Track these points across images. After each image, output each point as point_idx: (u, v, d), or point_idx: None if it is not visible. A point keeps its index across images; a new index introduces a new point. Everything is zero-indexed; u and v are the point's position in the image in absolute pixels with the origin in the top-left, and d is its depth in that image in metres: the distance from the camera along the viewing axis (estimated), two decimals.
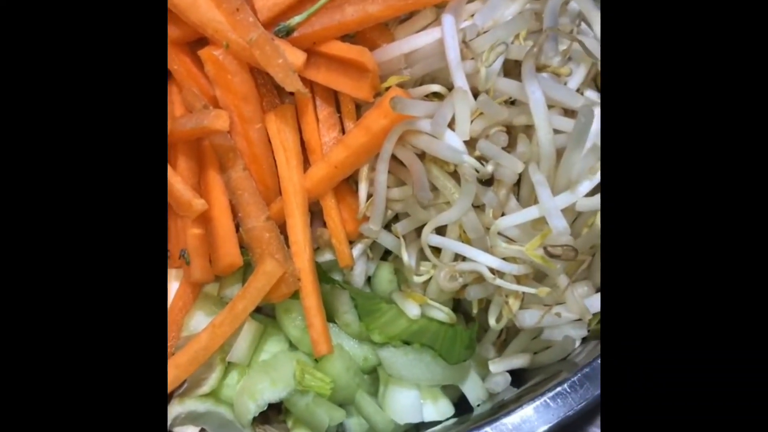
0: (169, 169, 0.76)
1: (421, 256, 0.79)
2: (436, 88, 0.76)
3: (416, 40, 0.77)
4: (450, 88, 0.75)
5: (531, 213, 0.72)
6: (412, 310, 0.79)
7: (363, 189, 0.80)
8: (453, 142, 0.72)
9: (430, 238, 0.75)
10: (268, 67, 0.73)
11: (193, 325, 0.80)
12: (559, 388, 0.71)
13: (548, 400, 0.71)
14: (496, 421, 0.71)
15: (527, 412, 0.70)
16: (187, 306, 0.80)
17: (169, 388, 0.75)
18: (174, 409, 0.77)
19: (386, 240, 0.80)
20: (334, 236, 0.80)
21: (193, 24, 0.76)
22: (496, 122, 0.73)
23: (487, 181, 0.74)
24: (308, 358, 0.80)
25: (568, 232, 0.70)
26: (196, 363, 0.75)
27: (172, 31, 0.79)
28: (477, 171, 0.71)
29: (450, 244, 0.75)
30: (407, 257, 0.79)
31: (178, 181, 0.76)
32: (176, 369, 0.74)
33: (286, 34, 0.76)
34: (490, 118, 0.72)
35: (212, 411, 0.78)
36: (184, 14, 0.76)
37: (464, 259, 0.75)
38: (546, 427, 0.70)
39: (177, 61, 0.80)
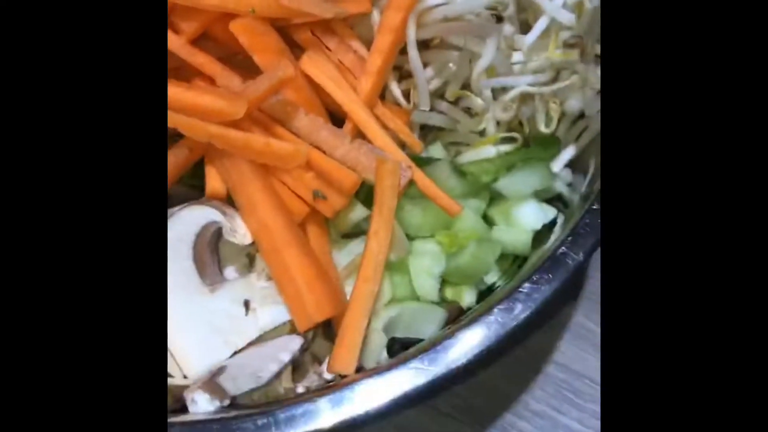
0: (262, 137, 0.82)
1: None
2: None
3: None
4: None
5: (541, 24, 0.91)
6: (491, 150, 0.94)
7: (395, 87, 0.93)
8: None
9: (482, 83, 0.91)
10: (302, 6, 0.82)
11: (345, 258, 0.86)
12: None
13: None
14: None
15: None
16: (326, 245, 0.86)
17: (372, 304, 0.81)
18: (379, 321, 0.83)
19: (436, 118, 0.94)
20: (399, 131, 0.91)
21: (213, 7, 0.81)
22: None
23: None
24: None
25: (574, 21, 0.90)
26: (379, 271, 0.82)
27: (187, 28, 0.83)
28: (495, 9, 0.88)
29: (498, 81, 0.92)
30: (461, 116, 0.94)
31: (274, 141, 0.82)
32: (366, 283, 0.81)
33: None
34: None
35: (403, 309, 0.86)
36: (199, 2, 0.81)
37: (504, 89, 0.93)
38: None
39: (198, 55, 0.85)
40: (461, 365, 0.76)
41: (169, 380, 0.82)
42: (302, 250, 0.81)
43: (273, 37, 0.84)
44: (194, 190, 0.94)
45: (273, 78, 0.81)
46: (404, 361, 0.77)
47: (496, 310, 0.78)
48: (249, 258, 0.89)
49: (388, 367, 0.76)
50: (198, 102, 0.80)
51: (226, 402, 0.79)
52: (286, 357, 0.79)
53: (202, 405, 0.80)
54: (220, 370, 0.81)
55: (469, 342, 0.77)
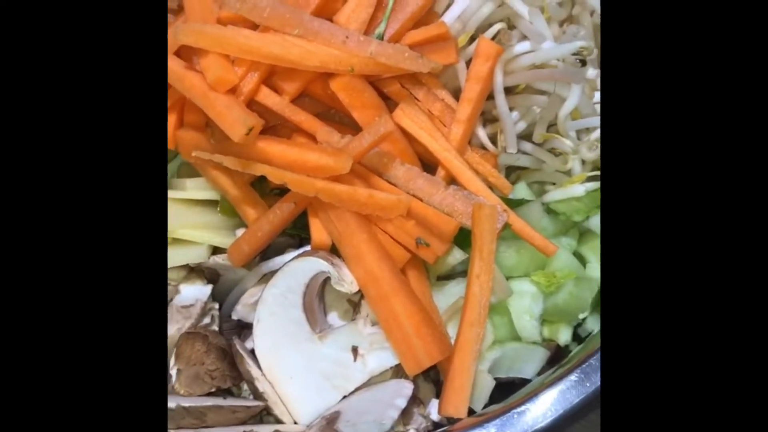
0: (365, 189, 0.85)
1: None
2: (499, 26, 0.95)
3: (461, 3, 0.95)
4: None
5: None
6: (580, 189, 0.96)
7: (481, 132, 0.96)
8: (550, 44, 0.91)
9: (567, 125, 0.94)
10: (399, 63, 0.86)
11: (443, 301, 0.89)
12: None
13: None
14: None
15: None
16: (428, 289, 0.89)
17: (479, 347, 0.84)
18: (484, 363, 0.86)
19: (523, 160, 0.97)
20: (489, 175, 0.94)
21: (313, 68, 0.85)
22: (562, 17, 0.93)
23: None
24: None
25: None
26: (483, 314, 0.85)
27: (288, 88, 0.88)
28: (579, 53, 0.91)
29: (583, 123, 0.94)
30: (547, 156, 0.96)
31: (377, 193, 0.85)
32: (472, 327, 0.84)
33: (380, 39, 0.89)
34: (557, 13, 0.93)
35: (506, 350, 0.88)
36: (301, 64, 0.85)
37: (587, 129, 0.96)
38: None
39: (299, 113, 0.89)
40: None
41: (281, 427, 0.86)
42: (408, 296, 0.84)
43: (370, 93, 0.88)
44: (292, 238, 0.98)
45: (375, 133, 0.84)
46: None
47: None
48: (351, 304, 0.92)
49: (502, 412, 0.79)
50: (305, 159, 0.84)
51: None
52: (402, 402, 0.81)
53: None
54: (335, 415, 0.84)
55: None
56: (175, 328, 0.90)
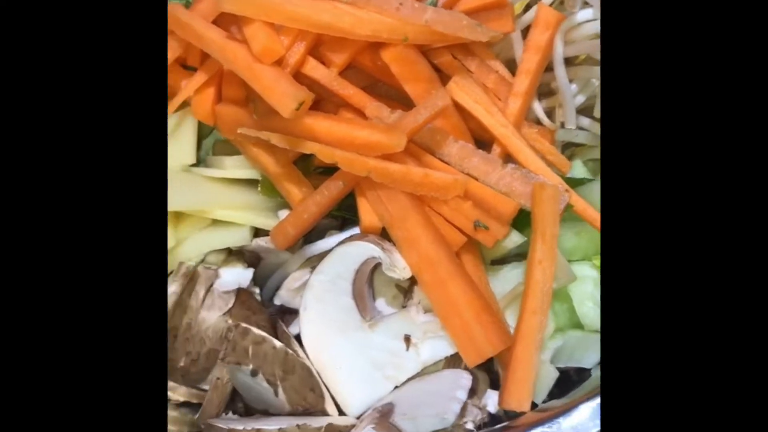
0: (420, 168, 0.80)
1: None
2: None
3: None
4: None
5: None
6: None
7: (537, 106, 0.90)
8: None
9: None
10: (457, 32, 0.80)
11: (499, 286, 0.84)
12: None
13: None
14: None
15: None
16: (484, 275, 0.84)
17: (541, 336, 0.79)
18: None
19: (582, 136, 0.91)
20: (547, 152, 0.89)
21: (365, 38, 0.80)
22: None
23: None
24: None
25: None
26: (546, 301, 0.79)
27: (336, 60, 0.82)
28: None
29: None
30: None
31: (432, 172, 0.80)
32: (534, 315, 0.78)
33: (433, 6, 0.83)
34: None
35: (567, 339, 0.83)
36: (352, 33, 0.79)
37: None
38: None
39: (348, 87, 0.83)
40: None
41: (327, 419, 0.81)
42: (467, 282, 0.79)
43: (424, 64, 0.83)
44: (335, 219, 0.93)
45: (431, 108, 0.79)
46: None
47: None
48: (399, 289, 0.87)
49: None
50: (355, 136, 0.79)
51: None
52: (462, 395, 0.77)
53: None
54: (388, 407, 0.80)
55: None
56: (216, 314, 0.86)
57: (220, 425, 0.76)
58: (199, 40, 0.82)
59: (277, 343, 0.79)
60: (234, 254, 0.92)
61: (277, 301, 0.90)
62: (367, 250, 0.80)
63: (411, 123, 0.79)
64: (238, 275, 0.89)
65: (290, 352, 0.78)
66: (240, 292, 0.87)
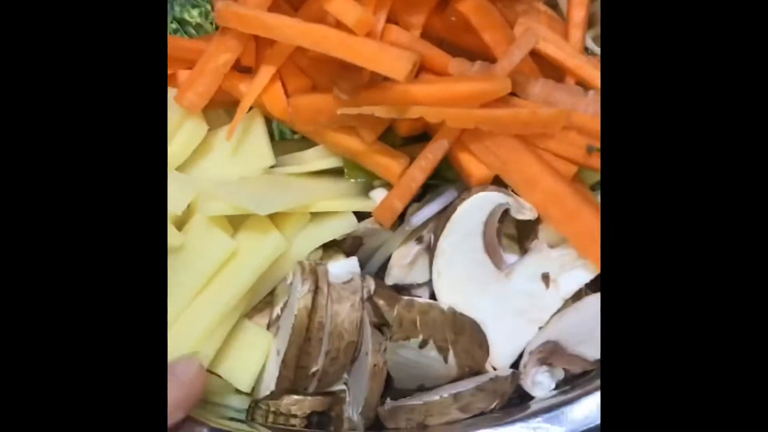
0: (524, 108, 0.81)
1: None
2: None
3: None
4: None
5: None
6: None
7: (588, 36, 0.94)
8: None
9: None
10: None
11: None
12: None
13: None
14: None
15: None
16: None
17: None
18: None
19: None
20: None
21: None
22: None
23: None
24: None
25: None
26: None
27: (416, 21, 0.82)
28: None
29: None
30: None
31: (538, 109, 0.81)
32: None
33: None
34: None
35: None
36: None
37: None
38: None
39: (428, 48, 0.83)
40: None
41: (490, 375, 0.81)
42: (594, 206, 0.80)
43: (496, 14, 0.83)
44: None
45: (524, 47, 0.80)
46: None
47: None
48: (508, 237, 0.88)
49: None
50: (456, 90, 0.79)
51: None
52: None
53: (546, 384, 0.80)
54: (550, 345, 0.80)
55: None
56: (347, 305, 0.83)
57: (411, 402, 0.74)
58: (272, 31, 0.79)
59: (445, 306, 0.78)
60: (329, 248, 0.89)
61: (389, 281, 0.88)
62: (494, 198, 0.80)
63: (507, 66, 0.80)
64: (346, 265, 0.87)
65: (457, 312, 0.77)
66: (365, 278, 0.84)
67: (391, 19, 0.82)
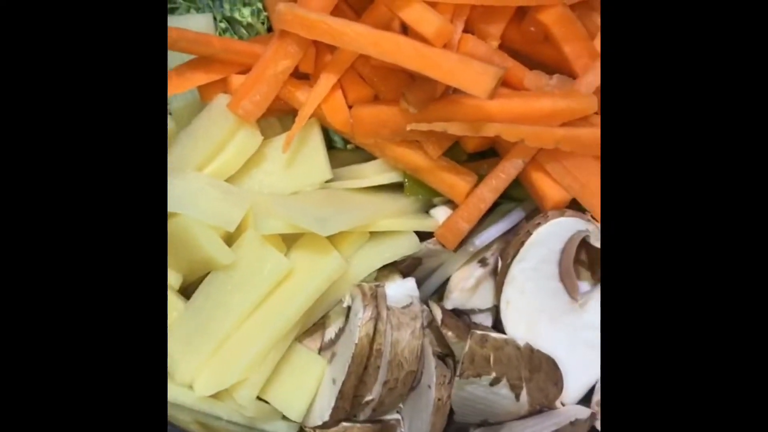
0: None
1: None
2: None
3: None
4: None
5: None
6: None
7: None
8: None
9: None
10: None
11: None
12: None
13: None
14: None
15: None
16: None
17: None
18: None
19: None
20: None
21: (523, 2, 0.74)
22: None
23: None
24: None
25: None
26: None
27: (494, 31, 0.76)
28: None
29: None
30: None
31: None
32: None
33: None
34: None
35: None
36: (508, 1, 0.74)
37: None
38: None
39: (506, 59, 0.77)
40: None
41: (568, 412, 0.76)
42: None
43: (579, 25, 0.77)
44: None
45: None
46: None
47: None
48: (581, 264, 0.83)
49: None
50: (536, 107, 0.74)
51: None
52: None
53: None
54: None
55: None
56: (408, 332, 0.78)
57: None
58: (339, 38, 0.73)
59: (521, 343, 0.72)
60: (385, 269, 0.84)
61: (449, 305, 0.83)
62: (574, 224, 0.75)
63: (593, 81, 0.74)
64: (403, 288, 0.82)
65: (535, 349, 0.72)
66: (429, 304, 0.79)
67: (467, 29, 0.76)
